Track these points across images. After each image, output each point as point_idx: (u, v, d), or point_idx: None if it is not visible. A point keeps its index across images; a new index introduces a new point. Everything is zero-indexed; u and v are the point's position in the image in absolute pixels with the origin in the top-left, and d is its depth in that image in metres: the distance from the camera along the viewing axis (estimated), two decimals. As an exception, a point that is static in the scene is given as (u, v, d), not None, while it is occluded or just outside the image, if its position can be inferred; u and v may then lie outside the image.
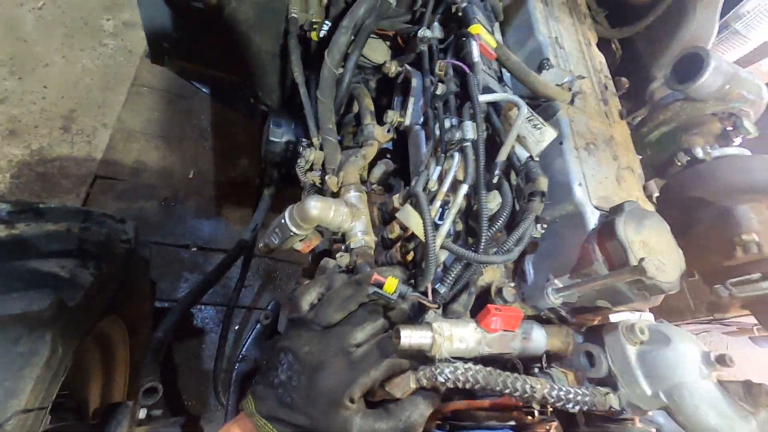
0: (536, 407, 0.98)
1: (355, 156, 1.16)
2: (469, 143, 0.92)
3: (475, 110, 0.93)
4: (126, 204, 2.70)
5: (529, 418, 0.96)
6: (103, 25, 2.93)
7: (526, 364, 0.96)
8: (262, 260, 2.74)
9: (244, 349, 1.39)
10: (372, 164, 1.26)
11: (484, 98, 0.96)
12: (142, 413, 1.47)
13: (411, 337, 0.78)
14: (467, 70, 1.01)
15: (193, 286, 1.36)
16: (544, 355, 0.95)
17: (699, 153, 1.01)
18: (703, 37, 1.48)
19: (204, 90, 3.20)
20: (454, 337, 0.81)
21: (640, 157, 1.14)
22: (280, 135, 1.53)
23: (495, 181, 0.91)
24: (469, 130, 0.91)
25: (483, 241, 0.87)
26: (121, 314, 1.44)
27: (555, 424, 0.97)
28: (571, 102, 1.10)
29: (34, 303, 1.05)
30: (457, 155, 0.94)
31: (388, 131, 1.27)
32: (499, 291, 0.96)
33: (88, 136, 2.73)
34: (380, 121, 1.29)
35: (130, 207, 2.70)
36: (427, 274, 0.81)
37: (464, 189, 0.87)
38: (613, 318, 0.93)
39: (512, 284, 1.02)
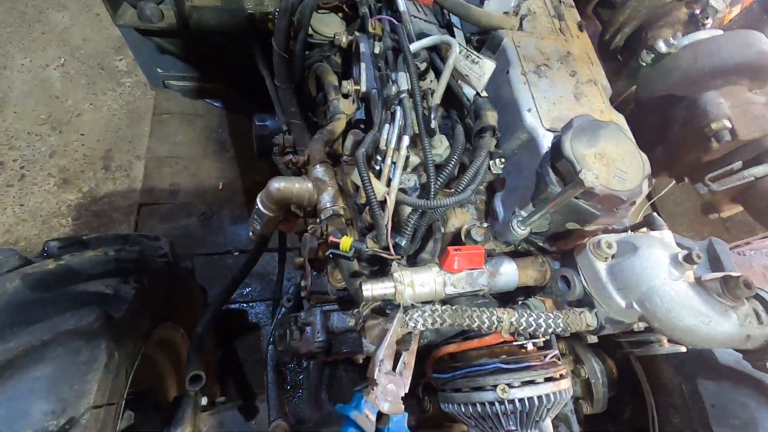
0: (528, 339, 0.98)
1: (320, 133, 1.20)
2: (405, 94, 0.92)
3: (407, 60, 0.92)
4: (170, 224, 2.97)
5: (522, 351, 0.97)
6: (117, 65, 3.19)
7: (507, 298, 0.96)
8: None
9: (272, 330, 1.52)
10: (345, 136, 1.30)
11: (415, 46, 0.94)
12: (203, 401, 1.65)
13: (372, 289, 0.82)
14: (395, 21, 1.00)
15: (225, 286, 1.50)
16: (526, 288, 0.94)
17: (662, 47, 0.91)
18: None
19: (216, 104, 3.40)
20: (415, 282, 0.83)
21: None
22: (265, 129, 1.60)
23: (433, 125, 0.91)
24: (403, 81, 0.91)
25: (433, 186, 0.88)
26: (176, 320, 1.61)
27: (553, 353, 0.97)
28: (520, 26, 1.05)
29: (83, 318, 1.22)
30: (398, 109, 0.94)
31: (353, 102, 1.29)
32: (468, 233, 0.97)
33: (126, 171, 3.01)
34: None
35: (174, 227, 2.97)
36: (378, 228, 0.84)
37: (405, 141, 0.88)
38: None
39: (485, 225, 1.02)
